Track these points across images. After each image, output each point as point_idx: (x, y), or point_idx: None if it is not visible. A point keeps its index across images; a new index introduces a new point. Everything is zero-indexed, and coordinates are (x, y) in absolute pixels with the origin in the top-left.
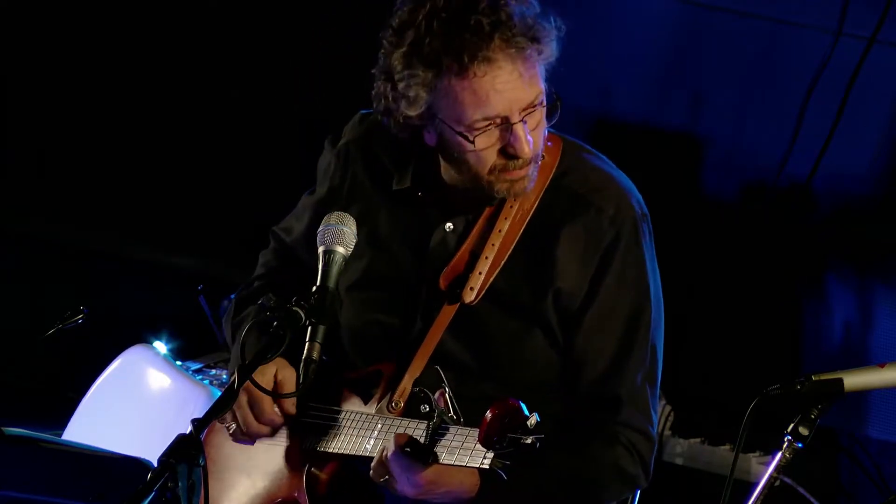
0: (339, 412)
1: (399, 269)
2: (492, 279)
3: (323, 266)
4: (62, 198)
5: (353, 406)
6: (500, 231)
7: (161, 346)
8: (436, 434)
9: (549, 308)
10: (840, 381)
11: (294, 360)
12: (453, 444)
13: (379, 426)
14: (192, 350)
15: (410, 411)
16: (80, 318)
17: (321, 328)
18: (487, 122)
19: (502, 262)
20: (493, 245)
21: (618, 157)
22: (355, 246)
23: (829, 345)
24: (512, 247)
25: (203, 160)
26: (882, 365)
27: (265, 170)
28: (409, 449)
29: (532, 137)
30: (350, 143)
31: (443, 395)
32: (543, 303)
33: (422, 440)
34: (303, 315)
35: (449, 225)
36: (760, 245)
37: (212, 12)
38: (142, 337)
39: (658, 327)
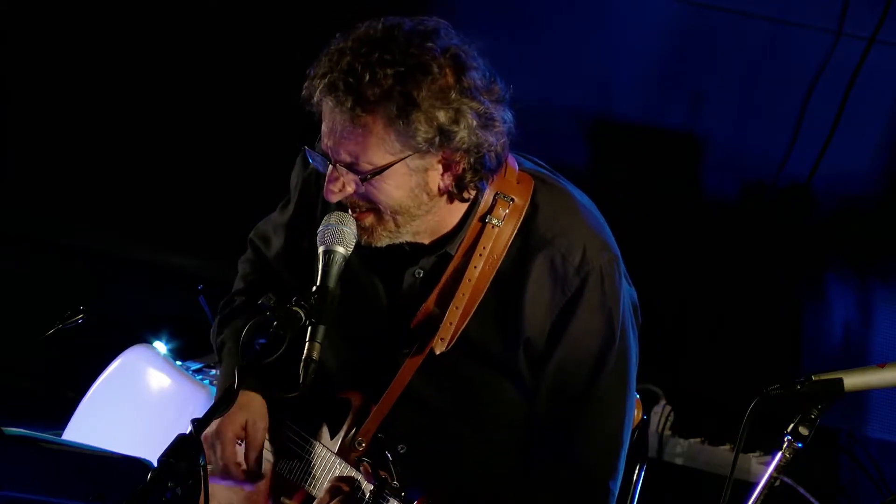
0: (307, 441)
1: (370, 300)
2: (462, 328)
3: (323, 266)
4: (62, 198)
5: (321, 437)
6: (469, 280)
7: (161, 346)
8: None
9: (519, 357)
10: (840, 381)
11: (293, 360)
12: None
13: (336, 472)
14: (192, 350)
15: (372, 453)
16: (80, 318)
17: (321, 328)
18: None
19: (472, 312)
20: (462, 294)
21: (618, 157)
22: None
23: (829, 345)
24: (482, 296)
25: (203, 160)
26: (882, 365)
27: (265, 170)
28: None
29: (338, 189)
30: None
31: (385, 463)
32: (515, 353)
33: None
34: (303, 315)
35: (419, 271)
36: (760, 245)
37: (212, 12)
38: (142, 337)
39: (626, 372)
